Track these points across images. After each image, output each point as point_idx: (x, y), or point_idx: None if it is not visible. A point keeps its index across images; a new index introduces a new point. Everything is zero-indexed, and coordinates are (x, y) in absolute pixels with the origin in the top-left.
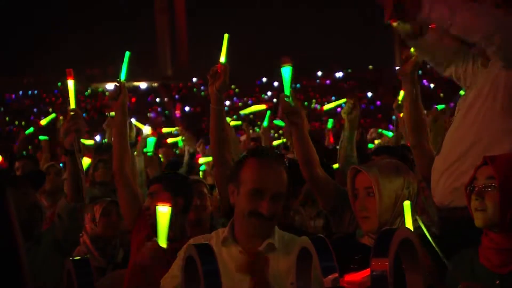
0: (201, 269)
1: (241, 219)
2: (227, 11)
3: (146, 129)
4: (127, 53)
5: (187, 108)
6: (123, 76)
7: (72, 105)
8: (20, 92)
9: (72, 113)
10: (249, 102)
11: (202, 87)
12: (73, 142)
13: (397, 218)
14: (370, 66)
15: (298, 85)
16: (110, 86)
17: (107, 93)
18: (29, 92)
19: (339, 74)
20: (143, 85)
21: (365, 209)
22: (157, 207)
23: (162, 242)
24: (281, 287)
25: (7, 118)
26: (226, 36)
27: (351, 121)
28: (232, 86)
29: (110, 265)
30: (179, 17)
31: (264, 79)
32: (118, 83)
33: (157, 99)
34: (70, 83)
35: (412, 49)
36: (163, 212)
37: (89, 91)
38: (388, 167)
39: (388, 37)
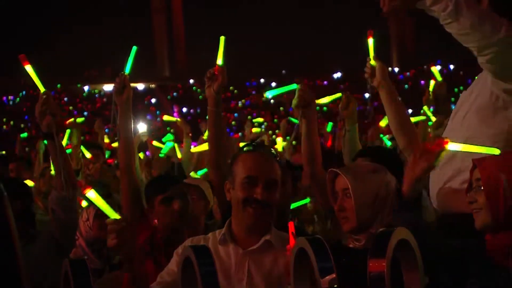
0: (199, 271)
1: (237, 212)
2: (225, 11)
3: (142, 126)
4: (134, 48)
5: (184, 109)
6: (127, 70)
7: (41, 88)
8: (21, 94)
9: (44, 96)
10: (247, 103)
11: (198, 89)
12: (50, 125)
13: (377, 216)
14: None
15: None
16: (107, 87)
17: (100, 92)
18: (13, 93)
19: (337, 75)
20: (140, 86)
21: (343, 209)
22: (85, 194)
23: (113, 215)
24: (279, 284)
25: (4, 119)
26: (222, 38)
27: (349, 115)
28: (231, 88)
29: (106, 267)
30: (177, 17)
31: (262, 80)
32: (122, 76)
33: (153, 100)
34: (28, 68)
35: (371, 61)
36: (92, 197)
37: (86, 92)
38: (364, 168)
39: (384, 37)
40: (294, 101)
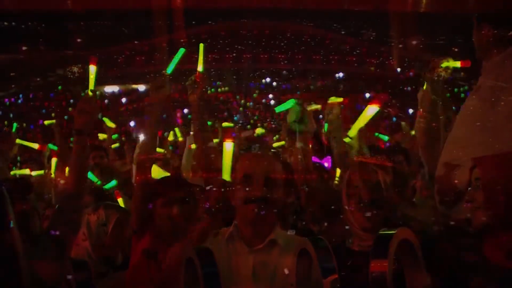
0: (201, 272)
1: (240, 210)
2: (226, 11)
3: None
4: (182, 50)
5: (185, 111)
6: (170, 70)
7: (91, 86)
8: (21, 96)
9: (90, 93)
10: (249, 104)
11: None
12: (85, 123)
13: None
14: (372, 68)
15: (298, 92)
16: (108, 88)
17: (94, 93)
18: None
19: (339, 75)
20: (141, 87)
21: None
22: (224, 143)
23: (226, 175)
24: (283, 284)
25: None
26: (201, 45)
27: (331, 120)
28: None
29: (110, 270)
30: (177, 18)
31: (264, 80)
32: (163, 76)
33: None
34: (92, 69)
35: (444, 63)
36: (228, 148)
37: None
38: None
39: (388, 38)
40: (289, 117)
